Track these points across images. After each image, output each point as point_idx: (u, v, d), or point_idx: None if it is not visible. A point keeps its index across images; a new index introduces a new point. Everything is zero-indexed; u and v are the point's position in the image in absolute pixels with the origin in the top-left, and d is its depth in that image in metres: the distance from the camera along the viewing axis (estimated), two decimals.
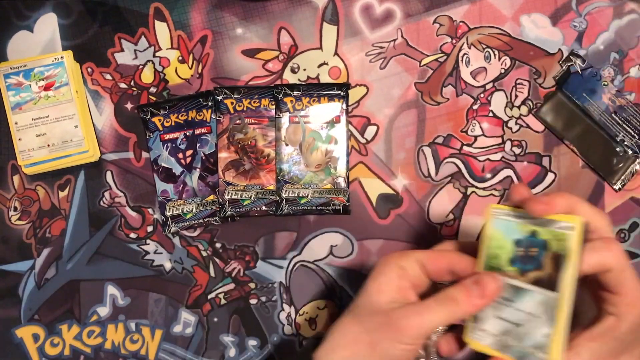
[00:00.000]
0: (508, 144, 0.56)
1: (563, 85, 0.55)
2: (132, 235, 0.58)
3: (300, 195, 0.56)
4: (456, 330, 0.41)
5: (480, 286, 0.36)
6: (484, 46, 0.56)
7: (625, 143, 0.55)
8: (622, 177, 0.55)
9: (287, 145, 0.56)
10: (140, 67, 0.57)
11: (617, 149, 0.55)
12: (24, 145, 0.55)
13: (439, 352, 0.41)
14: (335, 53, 0.57)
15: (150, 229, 0.58)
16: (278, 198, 0.56)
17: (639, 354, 0.37)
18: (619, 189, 0.56)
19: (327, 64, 0.57)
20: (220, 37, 0.57)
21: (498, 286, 0.36)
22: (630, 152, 0.55)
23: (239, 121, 0.56)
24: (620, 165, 0.55)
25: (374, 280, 0.39)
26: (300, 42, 0.57)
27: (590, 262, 0.35)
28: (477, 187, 0.57)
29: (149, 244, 0.58)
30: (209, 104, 0.56)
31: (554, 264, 0.35)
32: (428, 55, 0.56)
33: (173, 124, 0.56)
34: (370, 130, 0.57)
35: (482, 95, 0.56)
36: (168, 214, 0.56)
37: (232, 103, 0.56)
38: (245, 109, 0.56)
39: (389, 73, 0.57)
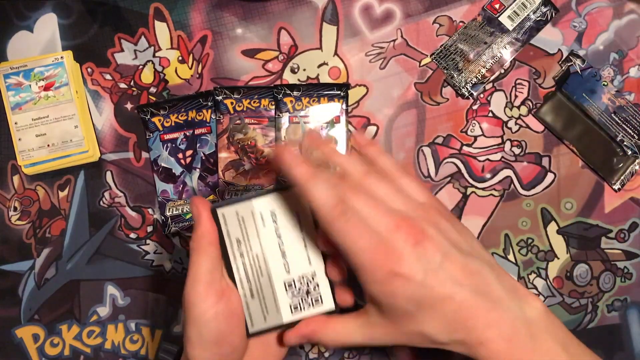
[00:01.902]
0: (508, 144, 0.56)
1: (562, 85, 0.55)
2: (132, 235, 0.58)
3: None
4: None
5: None
6: None
7: (625, 143, 0.55)
8: (622, 177, 0.55)
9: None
10: (140, 67, 0.57)
11: (617, 149, 0.55)
12: (23, 145, 0.55)
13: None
14: (335, 53, 0.57)
15: (150, 229, 0.58)
16: None
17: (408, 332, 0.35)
18: (619, 189, 0.56)
19: (327, 64, 0.57)
20: (220, 37, 0.57)
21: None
22: (629, 152, 0.55)
23: (238, 121, 0.56)
24: (620, 166, 0.55)
25: None
26: (300, 42, 0.57)
27: None
28: (476, 187, 0.57)
29: (148, 244, 0.58)
30: (209, 104, 0.56)
31: None
32: (428, 56, 0.57)
33: (173, 124, 0.56)
34: (370, 131, 0.57)
35: (481, 95, 0.56)
36: (168, 214, 0.56)
37: (232, 103, 0.56)
38: (245, 109, 0.56)
39: (389, 73, 0.57)
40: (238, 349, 0.37)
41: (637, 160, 0.55)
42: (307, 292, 0.38)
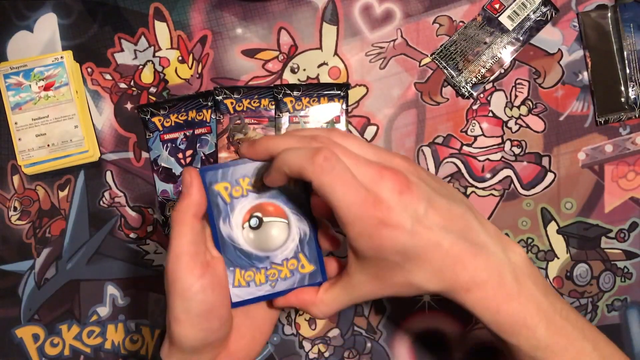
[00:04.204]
0: (508, 144, 0.56)
1: (622, 5, 0.54)
2: (132, 235, 0.58)
3: None
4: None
5: None
6: None
7: (631, 91, 0.54)
8: (609, 117, 0.55)
9: None
10: (140, 67, 0.57)
11: (622, 91, 0.54)
12: (23, 145, 0.55)
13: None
14: (335, 53, 0.57)
15: (150, 229, 0.58)
16: None
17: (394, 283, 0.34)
18: (600, 123, 0.55)
19: (326, 64, 0.57)
20: (220, 37, 0.57)
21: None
22: (630, 100, 0.54)
23: (238, 121, 0.56)
24: (615, 106, 0.55)
25: None
26: (300, 42, 0.57)
27: None
28: (476, 187, 0.57)
29: (148, 244, 0.58)
30: (209, 104, 0.56)
31: None
32: (428, 56, 0.57)
33: (173, 124, 0.56)
34: (370, 130, 0.57)
35: (481, 95, 0.56)
36: (168, 214, 0.56)
37: (232, 103, 0.56)
38: (245, 109, 0.56)
39: (389, 73, 0.57)
40: (226, 322, 0.36)
41: (632, 113, 0.54)
42: None
